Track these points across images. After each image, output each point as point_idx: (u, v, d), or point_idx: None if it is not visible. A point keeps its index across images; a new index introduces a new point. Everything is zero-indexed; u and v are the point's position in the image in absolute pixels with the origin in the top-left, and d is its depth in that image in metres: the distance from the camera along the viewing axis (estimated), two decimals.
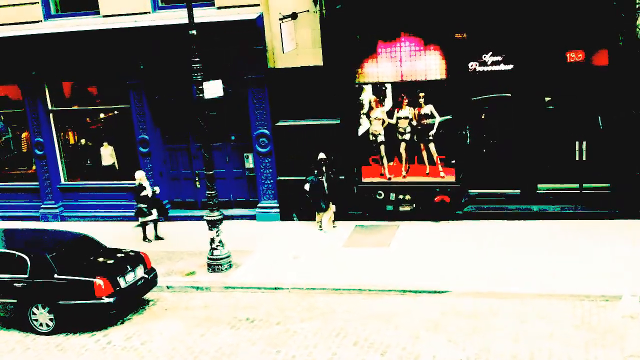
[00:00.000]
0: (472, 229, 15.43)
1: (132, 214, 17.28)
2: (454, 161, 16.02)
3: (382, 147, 16.45)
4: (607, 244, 13.71)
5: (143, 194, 16.42)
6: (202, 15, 15.71)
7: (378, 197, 16.60)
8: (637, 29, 14.18)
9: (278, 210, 17.38)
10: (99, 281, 12.04)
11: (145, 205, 16.47)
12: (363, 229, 16.23)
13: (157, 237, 16.87)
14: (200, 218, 15.94)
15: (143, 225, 16.79)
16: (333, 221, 16.44)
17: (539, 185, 15.75)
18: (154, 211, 16.71)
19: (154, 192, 16.64)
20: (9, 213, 19.54)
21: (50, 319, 12.32)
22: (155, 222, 16.85)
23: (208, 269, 14.46)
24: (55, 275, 12.17)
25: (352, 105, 16.30)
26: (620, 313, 11.02)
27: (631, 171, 14.87)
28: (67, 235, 13.90)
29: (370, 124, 16.40)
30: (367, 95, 16.24)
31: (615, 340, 10.24)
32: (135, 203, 16.75)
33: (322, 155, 15.97)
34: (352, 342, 11.03)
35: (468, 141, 15.92)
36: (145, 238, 16.81)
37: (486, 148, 16.04)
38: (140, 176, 16.59)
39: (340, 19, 15.68)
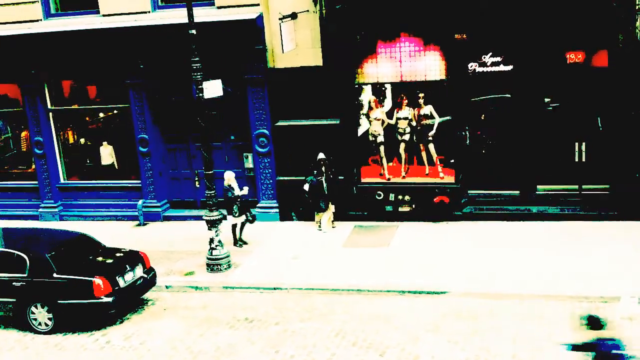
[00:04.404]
0: (471, 229, 15.43)
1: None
2: (453, 162, 16.02)
3: (382, 148, 16.44)
4: (606, 245, 13.71)
5: (235, 194, 15.50)
6: (202, 14, 15.71)
7: (377, 197, 16.59)
8: (637, 30, 14.19)
9: (277, 210, 17.38)
10: (97, 280, 12.03)
11: (237, 206, 15.47)
12: (362, 229, 16.23)
13: (241, 241, 15.80)
14: (199, 218, 15.94)
15: (234, 227, 15.75)
16: (332, 221, 16.43)
17: (539, 186, 15.75)
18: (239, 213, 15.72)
19: (243, 193, 15.70)
20: (8, 212, 19.52)
21: (49, 318, 12.30)
22: (243, 224, 15.80)
23: (207, 269, 14.46)
24: (54, 275, 12.16)
25: (352, 106, 16.29)
26: (619, 314, 11.00)
27: (630, 172, 14.87)
28: (66, 235, 13.90)
29: (370, 124, 16.40)
30: (366, 96, 16.23)
31: None
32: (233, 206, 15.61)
33: (321, 156, 15.97)
34: (351, 342, 11.03)
35: (467, 142, 15.92)
36: (236, 242, 15.75)
37: (485, 149, 16.04)
38: (229, 177, 15.59)
39: (340, 19, 15.68)
